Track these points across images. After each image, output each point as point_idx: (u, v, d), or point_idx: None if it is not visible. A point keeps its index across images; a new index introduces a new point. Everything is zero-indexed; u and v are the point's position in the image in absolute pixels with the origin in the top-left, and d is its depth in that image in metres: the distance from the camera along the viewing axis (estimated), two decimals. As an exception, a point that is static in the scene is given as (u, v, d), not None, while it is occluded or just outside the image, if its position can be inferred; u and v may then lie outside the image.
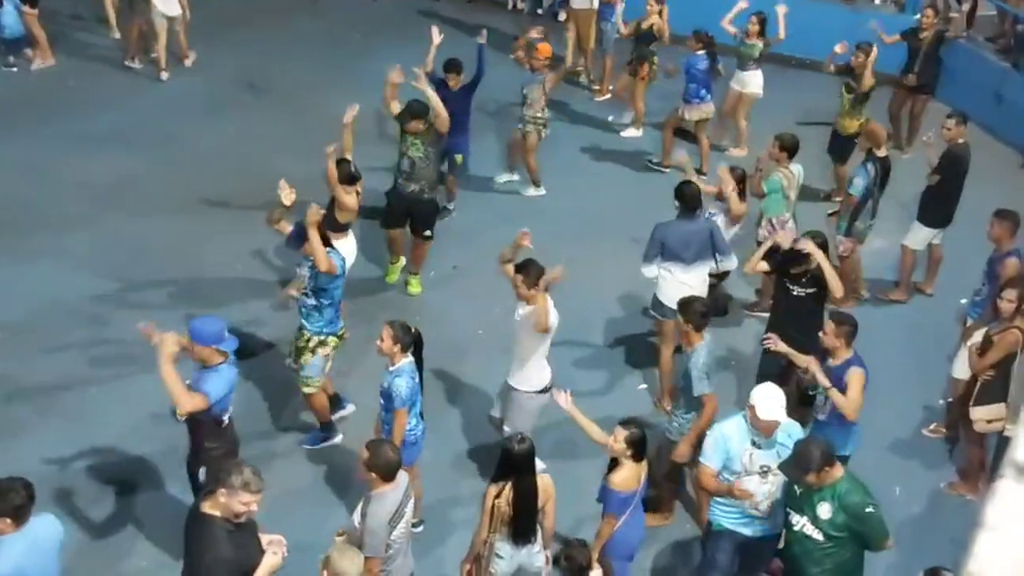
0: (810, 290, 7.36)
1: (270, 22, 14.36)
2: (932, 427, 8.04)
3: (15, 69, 12.72)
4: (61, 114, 11.70)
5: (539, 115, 10.38)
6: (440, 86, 9.31)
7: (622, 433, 5.81)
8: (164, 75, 12.64)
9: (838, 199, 10.28)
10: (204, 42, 13.58)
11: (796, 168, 8.68)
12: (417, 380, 6.24)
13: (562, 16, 13.94)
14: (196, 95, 12.27)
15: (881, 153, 8.81)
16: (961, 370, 7.57)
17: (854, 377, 6.39)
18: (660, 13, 11.49)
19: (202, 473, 6.09)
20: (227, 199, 10.29)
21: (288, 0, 15.08)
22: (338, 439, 7.50)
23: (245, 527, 4.97)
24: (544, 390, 6.88)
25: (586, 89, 12.83)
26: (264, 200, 10.20)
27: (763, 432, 5.74)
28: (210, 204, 10.22)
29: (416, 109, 8.72)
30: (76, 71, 12.77)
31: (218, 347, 5.87)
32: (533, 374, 6.88)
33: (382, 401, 6.27)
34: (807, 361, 6.57)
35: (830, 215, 9.98)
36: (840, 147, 10.55)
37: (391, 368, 6.19)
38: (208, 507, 4.90)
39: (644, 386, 8.29)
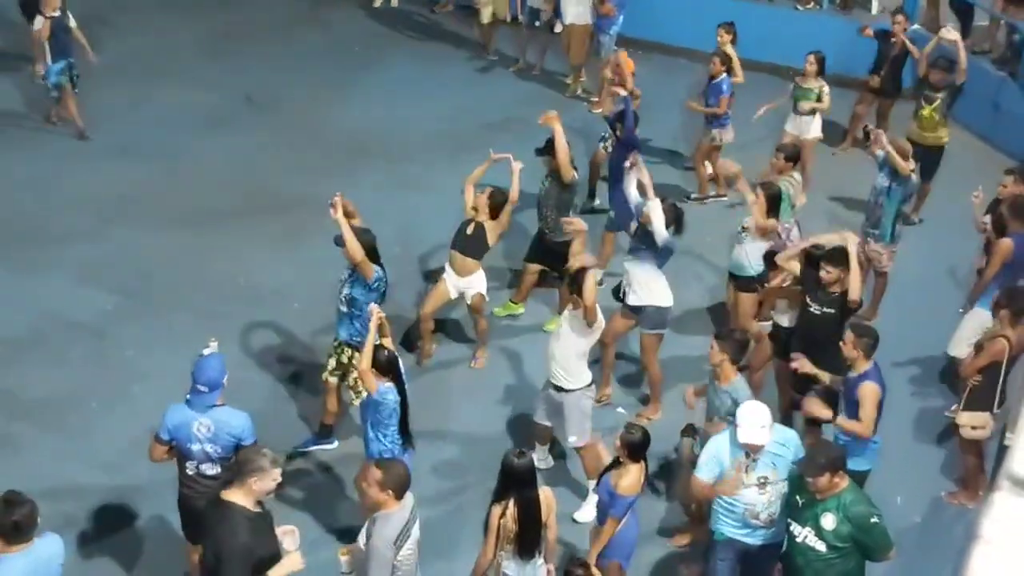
0: (828, 310, 7.07)
1: (272, 36, 14.35)
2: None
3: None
4: (64, 127, 11.69)
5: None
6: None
7: (618, 434, 6.00)
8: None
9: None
10: (206, 57, 13.60)
11: (798, 176, 8.85)
12: (395, 399, 6.29)
13: (558, 28, 13.94)
14: (199, 109, 12.26)
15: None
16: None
17: (867, 392, 6.35)
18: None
19: None
20: (230, 213, 10.29)
21: (289, 15, 15.07)
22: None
23: (264, 516, 5.14)
24: (590, 385, 7.05)
25: (584, 101, 12.84)
26: (266, 213, 10.31)
27: (749, 450, 5.76)
28: (213, 218, 10.21)
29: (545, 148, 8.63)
30: (79, 85, 12.77)
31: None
32: (581, 370, 6.98)
33: None
34: (809, 402, 6.51)
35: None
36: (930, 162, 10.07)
37: None
38: (230, 495, 5.03)
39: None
